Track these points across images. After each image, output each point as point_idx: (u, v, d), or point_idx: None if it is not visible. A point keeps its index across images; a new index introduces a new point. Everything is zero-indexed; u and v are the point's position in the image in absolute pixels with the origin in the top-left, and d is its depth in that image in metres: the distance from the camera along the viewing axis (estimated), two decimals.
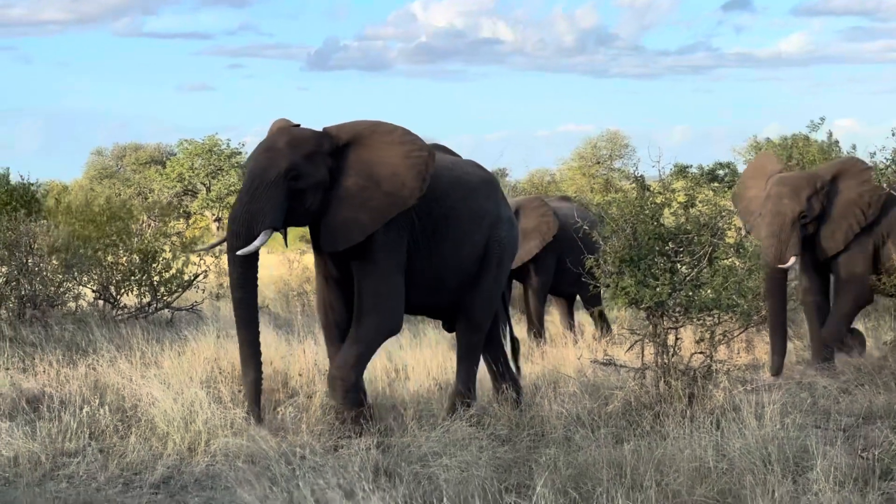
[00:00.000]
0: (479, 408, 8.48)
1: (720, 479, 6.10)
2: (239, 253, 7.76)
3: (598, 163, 34.08)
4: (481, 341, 8.85)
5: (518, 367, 9.32)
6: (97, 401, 8.15)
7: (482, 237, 8.66)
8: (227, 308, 14.60)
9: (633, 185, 9.14)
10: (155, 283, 13.47)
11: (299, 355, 9.97)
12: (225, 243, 8.04)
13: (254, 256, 7.87)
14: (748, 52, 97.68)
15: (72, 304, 12.91)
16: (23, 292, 12.22)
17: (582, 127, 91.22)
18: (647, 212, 8.33)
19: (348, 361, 7.97)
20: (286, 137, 7.95)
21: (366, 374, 9.57)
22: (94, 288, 13.36)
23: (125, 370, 9.25)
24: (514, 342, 9.26)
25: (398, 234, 8.10)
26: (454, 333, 8.99)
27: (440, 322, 9.38)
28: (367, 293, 8.01)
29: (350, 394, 7.91)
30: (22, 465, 7.08)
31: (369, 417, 7.95)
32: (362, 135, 8.15)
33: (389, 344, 10.89)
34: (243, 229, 7.75)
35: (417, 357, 10.17)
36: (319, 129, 8.19)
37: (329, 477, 5.63)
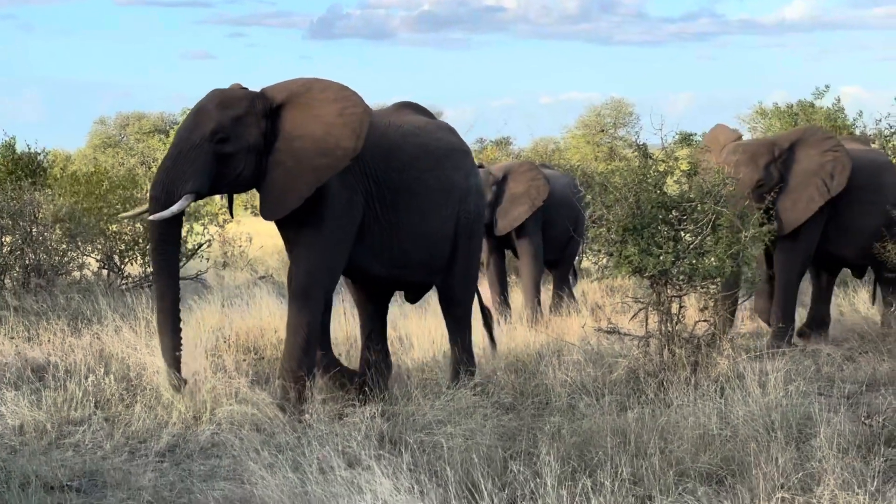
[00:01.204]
0: (484, 376, 8.49)
1: (724, 446, 6.12)
2: (151, 218, 7.40)
3: (603, 131, 34.00)
4: (468, 312, 8.67)
5: (492, 339, 9.18)
6: (102, 370, 8.18)
7: (452, 211, 8.31)
8: (230, 277, 14.64)
9: (636, 153, 9.12)
10: None
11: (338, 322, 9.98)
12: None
13: (176, 222, 7.54)
14: (752, 19, 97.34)
15: (76, 274, 12.92)
16: (27, 262, 12.22)
17: (586, 94, 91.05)
18: (649, 180, 8.31)
19: (293, 355, 7.57)
20: (217, 99, 7.55)
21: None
22: (99, 257, 13.37)
23: (130, 339, 9.26)
24: (485, 313, 9.08)
25: (349, 203, 7.69)
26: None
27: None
28: (302, 269, 7.62)
29: (298, 385, 7.51)
30: (28, 434, 7.11)
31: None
32: (296, 94, 7.70)
33: (394, 313, 10.91)
34: (163, 194, 7.38)
35: (421, 326, 10.17)
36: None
37: (334, 445, 5.65)
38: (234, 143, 7.47)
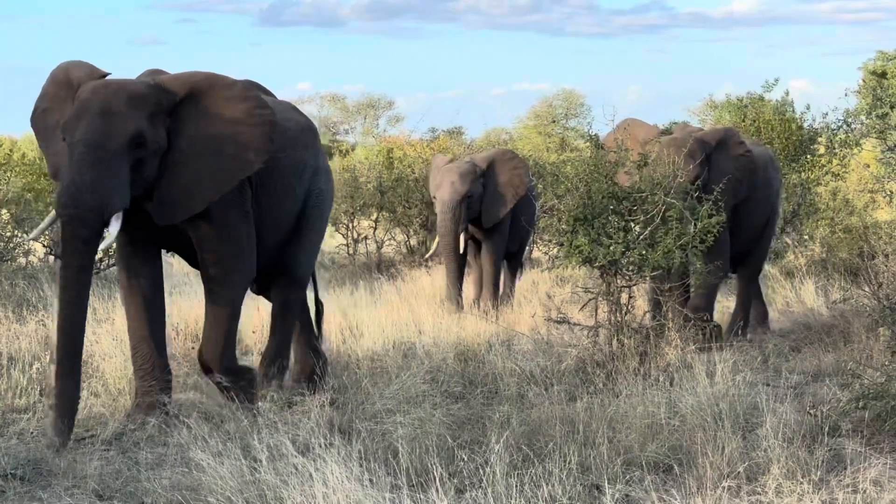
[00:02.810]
0: (433, 365, 8.49)
1: (672, 435, 6.16)
2: (103, 246, 6.76)
3: (554, 121, 34.10)
4: (300, 299, 8.37)
5: (320, 332, 8.80)
6: (48, 357, 8.08)
7: (302, 190, 8.06)
8: (178, 264, 14.53)
9: (588, 144, 9.14)
10: None
11: (254, 313, 9.92)
12: (62, 227, 6.68)
13: (94, 246, 6.70)
14: (702, 12, 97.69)
15: (22, 260, 12.77)
16: None
17: (537, 85, 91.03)
18: (600, 171, 8.34)
19: (218, 350, 7.23)
20: (124, 96, 6.76)
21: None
22: (45, 243, 13.22)
23: None
24: (319, 305, 8.73)
25: (242, 192, 7.32)
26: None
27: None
28: (220, 265, 7.23)
29: (231, 375, 7.23)
30: None
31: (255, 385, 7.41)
32: (199, 88, 7.12)
33: (345, 301, 10.91)
34: (89, 214, 6.53)
35: (372, 315, 10.17)
36: (149, 80, 7.11)
37: (284, 433, 5.62)
38: (149, 147, 6.82)
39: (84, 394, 7.40)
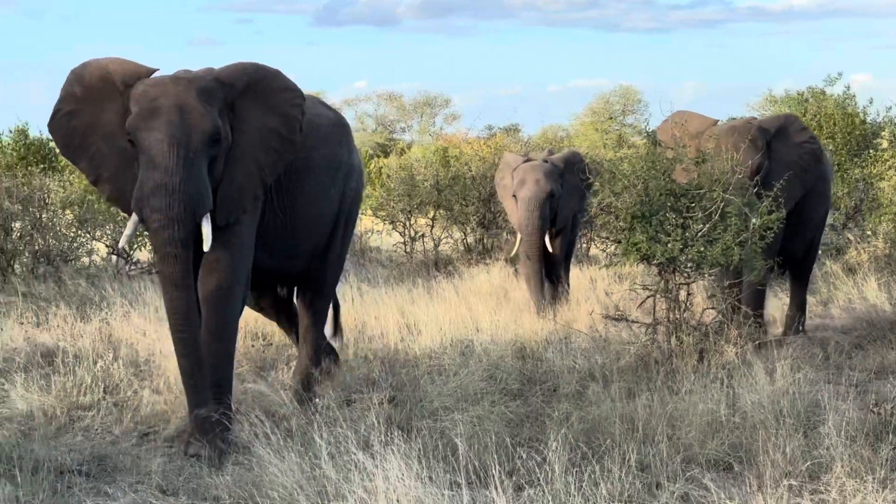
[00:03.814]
0: (491, 363, 8.49)
1: (732, 433, 6.13)
2: (207, 248, 6.42)
3: (611, 118, 33.94)
4: (328, 307, 8.24)
5: (338, 329, 8.79)
6: (111, 355, 8.20)
7: (337, 191, 7.78)
8: None
9: (645, 140, 9.06)
10: None
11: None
12: (156, 233, 6.32)
13: (191, 250, 6.39)
14: (759, 6, 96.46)
15: (85, 260, 12.95)
16: (36, 247, 12.27)
17: (594, 82, 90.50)
18: (658, 167, 8.29)
19: (219, 365, 6.66)
20: (195, 91, 6.47)
21: (378, 329, 9.66)
22: (108, 243, 13.40)
23: (138, 324, 9.30)
24: (336, 305, 8.68)
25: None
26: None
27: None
28: (224, 270, 6.70)
29: (223, 397, 6.63)
30: (37, 419, 7.13)
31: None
32: (253, 80, 6.89)
33: (402, 299, 10.94)
34: (184, 215, 6.25)
35: (430, 313, 10.18)
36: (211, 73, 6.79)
37: (344, 430, 5.66)
38: (222, 143, 6.58)
39: (146, 392, 7.51)
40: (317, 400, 7.12)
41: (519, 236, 11.55)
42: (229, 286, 6.72)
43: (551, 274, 11.88)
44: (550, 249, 11.50)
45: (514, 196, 11.56)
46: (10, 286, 11.43)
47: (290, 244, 7.43)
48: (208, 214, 6.43)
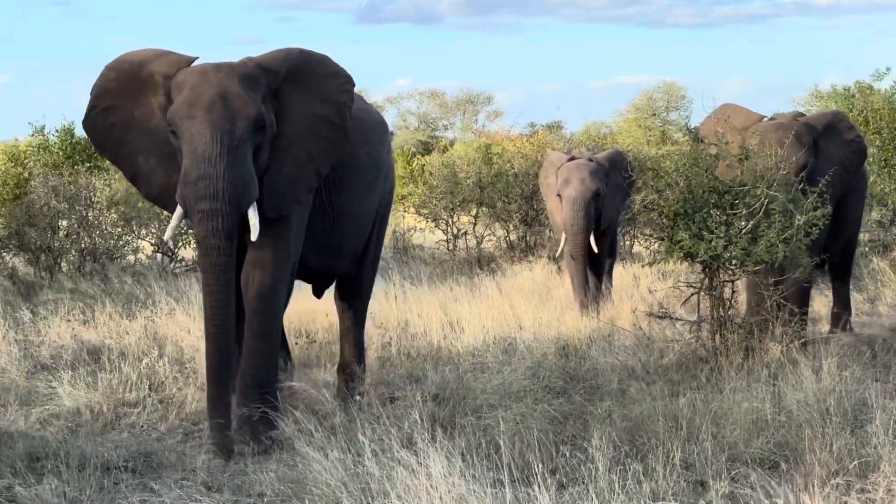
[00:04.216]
0: (534, 360, 8.47)
1: (777, 431, 6.07)
2: (255, 237, 6.28)
3: (654, 114, 33.76)
4: (367, 305, 8.18)
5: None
6: (156, 352, 8.26)
7: (379, 190, 7.66)
8: None
9: (688, 137, 8.99)
10: None
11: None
12: (199, 223, 6.18)
13: (235, 242, 6.25)
14: (806, 0, 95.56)
15: (131, 258, 13.07)
16: (83, 246, 12.40)
17: (637, 78, 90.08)
18: (700, 165, 8.22)
19: (269, 363, 6.62)
20: (238, 78, 6.30)
21: (421, 326, 9.66)
22: (153, 241, 13.51)
23: (183, 322, 9.37)
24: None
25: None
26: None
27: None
28: (269, 268, 6.56)
29: (269, 396, 6.55)
30: (84, 415, 7.21)
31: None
32: (296, 66, 6.69)
33: (445, 297, 10.95)
34: (229, 206, 6.09)
35: (472, 310, 10.18)
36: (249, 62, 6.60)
37: (387, 427, 5.67)
38: (267, 131, 6.40)
39: (191, 389, 7.56)
40: (359, 397, 7.14)
41: (563, 236, 11.43)
42: (273, 285, 6.58)
43: (596, 273, 11.77)
44: (595, 249, 11.37)
45: (559, 195, 11.44)
46: (58, 284, 11.57)
47: (336, 243, 7.30)
48: (255, 203, 6.26)
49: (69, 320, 9.86)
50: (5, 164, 14.85)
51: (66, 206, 12.50)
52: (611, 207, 11.62)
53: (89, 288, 11.34)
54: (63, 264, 12.35)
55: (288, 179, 6.55)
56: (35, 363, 8.66)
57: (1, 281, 11.99)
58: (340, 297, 7.99)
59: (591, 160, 11.58)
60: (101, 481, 5.58)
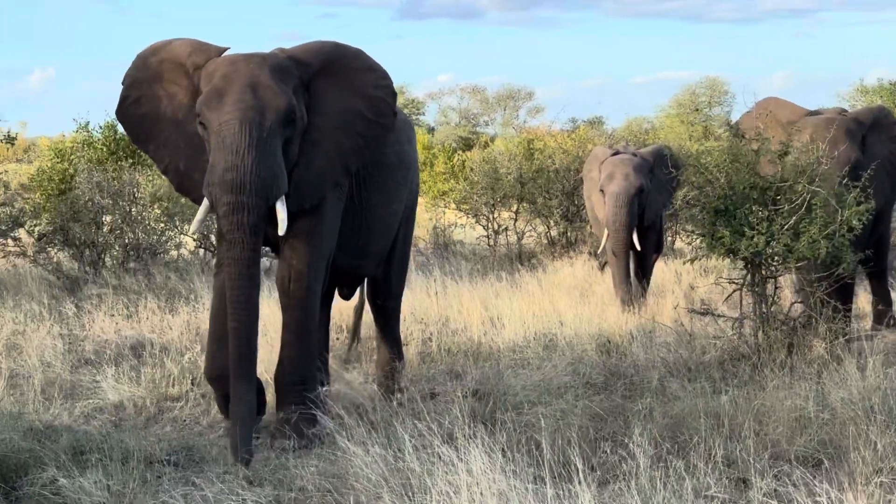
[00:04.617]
0: (575, 357, 8.45)
1: (821, 429, 6.02)
2: (282, 232, 6.15)
3: (697, 110, 33.58)
4: (400, 304, 8.11)
5: (358, 335, 8.72)
6: (198, 347, 8.32)
7: (406, 189, 7.54)
8: None
9: (728, 132, 8.93)
10: None
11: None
12: (224, 217, 6.01)
13: (261, 237, 6.13)
14: None
15: (173, 253, 13.16)
16: (126, 241, 12.50)
17: (679, 73, 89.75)
18: (741, 160, 8.15)
19: (306, 360, 6.56)
20: (268, 68, 6.17)
21: (461, 322, 9.66)
22: (195, 237, 13.60)
23: None
24: (362, 302, 8.45)
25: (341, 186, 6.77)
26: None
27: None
28: (303, 264, 6.49)
29: (308, 395, 6.49)
30: (128, 409, 7.27)
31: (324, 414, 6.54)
32: (330, 60, 6.57)
33: (485, 292, 10.94)
34: (256, 199, 5.94)
35: (513, 306, 10.17)
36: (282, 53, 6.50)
37: (427, 423, 5.67)
38: (297, 124, 6.26)
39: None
40: (399, 394, 7.16)
41: (606, 232, 11.28)
42: (307, 284, 6.51)
43: (638, 271, 11.63)
44: (638, 246, 11.23)
45: (602, 190, 11.28)
46: (101, 279, 11.66)
47: (363, 243, 7.19)
48: (283, 198, 6.12)
49: (113, 315, 9.95)
50: (51, 159, 15.02)
51: (110, 202, 12.60)
52: (655, 204, 11.45)
53: (133, 283, 11.43)
54: (107, 259, 12.46)
55: (318, 174, 6.44)
56: (79, 357, 8.75)
57: (46, 275, 12.12)
58: (372, 297, 7.98)
59: (635, 155, 11.42)
60: (143, 475, 5.63)
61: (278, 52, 6.49)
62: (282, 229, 6.15)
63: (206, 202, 6.19)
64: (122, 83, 6.70)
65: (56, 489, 5.41)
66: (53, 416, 6.99)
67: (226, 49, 6.45)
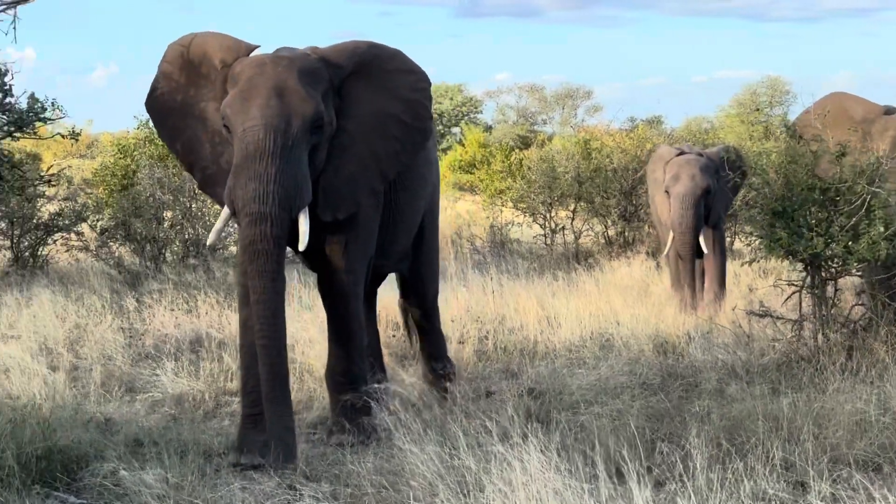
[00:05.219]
0: (631, 357, 8.41)
1: (882, 433, 5.95)
2: (301, 248, 5.90)
3: (758, 110, 33.25)
4: (436, 298, 7.85)
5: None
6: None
7: (430, 186, 7.31)
8: None
9: (786, 133, 8.81)
10: None
11: (452, 302, 10.07)
12: (247, 227, 5.73)
13: (285, 249, 5.89)
14: None
15: (232, 249, 13.27)
16: (186, 237, 12.63)
17: (740, 73, 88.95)
18: (799, 162, 8.05)
19: (349, 363, 6.49)
20: (296, 72, 5.88)
21: (518, 321, 9.65)
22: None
23: None
24: (373, 300, 8.09)
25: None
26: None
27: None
28: (346, 265, 6.35)
29: (361, 393, 6.47)
30: (187, 403, 7.35)
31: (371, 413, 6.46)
32: (364, 61, 6.30)
33: (542, 291, 10.93)
34: (279, 210, 5.68)
35: (569, 305, 10.15)
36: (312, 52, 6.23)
37: (482, 421, 5.69)
38: (325, 130, 5.98)
39: (290, 379, 7.61)
40: (451, 391, 7.16)
41: (671, 234, 10.99)
42: (347, 291, 6.37)
43: (705, 273, 11.31)
44: (705, 249, 10.95)
45: (667, 191, 11.02)
46: (162, 274, 11.80)
47: (387, 241, 6.95)
48: (306, 209, 5.86)
49: (172, 310, 10.06)
50: (114, 155, 15.20)
51: (171, 198, 12.74)
52: (721, 204, 11.15)
53: (192, 278, 11.55)
54: (167, 255, 12.60)
55: (348, 181, 6.18)
56: (139, 351, 8.86)
57: (108, 270, 12.28)
58: (404, 296, 7.81)
59: (700, 155, 11.15)
60: (202, 468, 5.69)
61: (310, 51, 6.23)
62: (302, 244, 5.88)
63: (226, 210, 5.97)
64: (156, 73, 6.48)
65: (117, 480, 5.48)
66: (113, 409, 7.09)
67: (255, 47, 6.20)
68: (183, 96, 6.32)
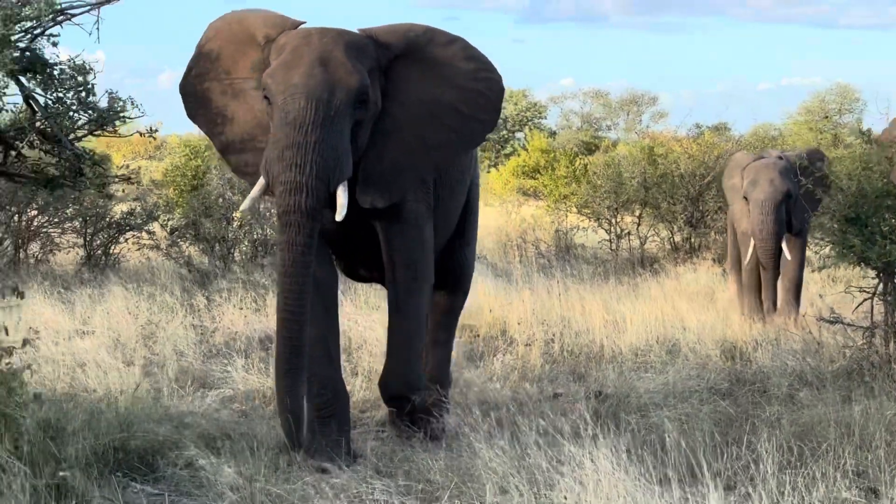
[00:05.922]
0: (699, 362, 8.39)
1: None
2: (338, 218, 5.59)
3: (826, 117, 32.90)
4: (464, 302, 7.43)
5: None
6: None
7: (468, 182, 6.98)
8: None
9: (859, 140, 8.75)
10: None
11: (517, 304, 10.11)
12: (281, 197, 5.47)
13: (319, 222, 5.56)
14: None
15: None
16: (255, 236, 12.78)
17: (808, 80, 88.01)
18: (873, 167, 7.99)
19: (412, 371, 6.32)
20: (343, 44, 5.62)
21: (584, 324, 9.66)
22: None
23: (350, 312, 9.58)
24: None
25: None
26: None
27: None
28: (409, 269, 6.16)
29: (422, 393, 6.37)
30: (258, 400, 7.46)
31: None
32: (417, 45, 5.96)
33: (607, 296, 10.93)
34: (316, 181, 5.40)
35: (635, 310, 10.13)
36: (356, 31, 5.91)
37: (552, 420, 5.72)
38: (369, 108, 5.69)
39: (358, 379, 7.72)
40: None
41: (752, 243, 10.51)
42: (411, 288, 6.19)
43: (783, 283, 10.82)
44: (788, 257, 10.50)
45: (745, 198, 10.57)
46: (231, 273, 11.95)
47: None
48: (346, 183, 5.58)
49: (242, 308, 10.19)
50: (184, 156, 15.43)
51: (240, 198, 12.89)
52: (804, 209, 10.45)
53: (261, 278, 11.69)
54: (236, 254, 12.76)
55: (393, 167, 5.88)
56: (210, 348, 9.00)
57: (178, 269, 12.46)
58: (439, 292, 7.09)
59: (780, 158, 10.72)
60: (275, 461, 5.77)
61: (361, 30, 5.95)
62: (339, 215, 5.57)
63: (262, 180, 5.65)
64: (194, 53, 6.20)
65: (193, 472, 5.58)
66: (187, 404, 7.20)
67: (302, 22, 5.91)
68: (222, 76, 6.05)
